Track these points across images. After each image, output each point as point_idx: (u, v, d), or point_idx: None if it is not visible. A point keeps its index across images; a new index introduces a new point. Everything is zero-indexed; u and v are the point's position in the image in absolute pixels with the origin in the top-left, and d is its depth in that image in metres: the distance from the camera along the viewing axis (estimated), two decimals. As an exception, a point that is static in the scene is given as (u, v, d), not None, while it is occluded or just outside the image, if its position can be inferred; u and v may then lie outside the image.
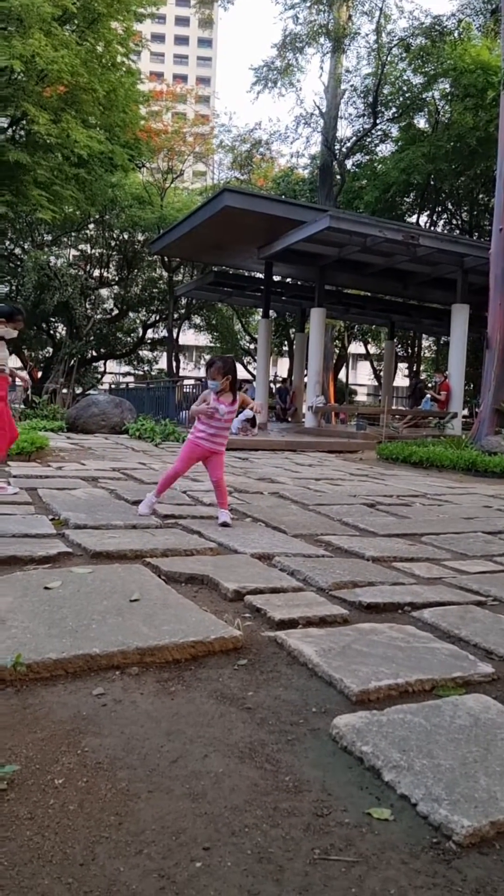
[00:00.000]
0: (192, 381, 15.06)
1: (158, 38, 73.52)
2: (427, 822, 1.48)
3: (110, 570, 3.20)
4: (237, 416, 14.86)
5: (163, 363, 32.21)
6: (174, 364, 29.23)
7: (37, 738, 1.77)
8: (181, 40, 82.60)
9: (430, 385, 22.59)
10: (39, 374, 27.06)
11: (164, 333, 29.98)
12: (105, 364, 32.72)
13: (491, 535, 4.98)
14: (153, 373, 32.78)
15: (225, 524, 4.50)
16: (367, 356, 38.52)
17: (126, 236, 26.33)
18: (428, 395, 18.08)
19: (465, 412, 20.88)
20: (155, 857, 1.34)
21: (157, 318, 30.08)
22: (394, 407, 23.04)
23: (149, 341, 31.64)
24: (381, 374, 28.84)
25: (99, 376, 31.83)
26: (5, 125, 17.98)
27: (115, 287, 28.36)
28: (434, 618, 2.87)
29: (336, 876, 1.31)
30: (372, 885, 1.29)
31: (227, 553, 3.82)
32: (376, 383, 37.90)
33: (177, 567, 3.33)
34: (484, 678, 2.27)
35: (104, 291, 28.36)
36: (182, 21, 78.30)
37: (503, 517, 5.87)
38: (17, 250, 25.58)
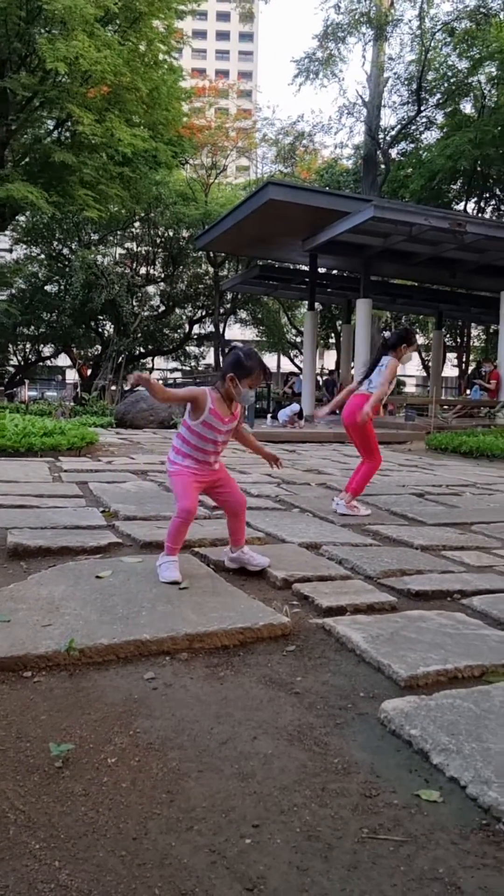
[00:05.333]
0: None
1: (200, 34, 73.74)
2: (476, 805, 1.47)
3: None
4: (285, 409, 14.89)
5: (210, 358, 32.40)
6: (221, 359, 29.36)
7: (90, 719, 1.82)
8: (222, 36, 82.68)
9: (482, 373, 22.20)
10: (89, 372, 27.54)
11: (211, 329, 30.15)
12: (153, 360, 33.12)
13: (544, 523, 4.87)
14: (200, 368, 33.02)
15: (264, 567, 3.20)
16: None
17: (171, 233, 26.56)
18: (477, 385, 17.78)
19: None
20: (206, 834, 1.36)
21: (203, 313, 30.26)
22: (442, 397, 22.72)
23: (195, 337, 31.88)
24: (430, 364, 28.45)
25: (147, 372, 32.21)
26: (51, 127, 18.31)
27: (161, 284, 28.65)
28: (484, 605, 2.84)
29: (385, 855, 1.32)
30: (421, 865, 1.29)
31: (274, 542, 3.84)
32: (425, 374, 37.42)
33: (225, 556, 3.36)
34: (536, 665, 2.23)
35: (150, 288, 28.67)
36: (223, 16, 78.33)
37: None
38: (65, 250, 26.04)
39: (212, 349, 30.75)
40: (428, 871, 1.28)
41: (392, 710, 1.83)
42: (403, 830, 1.40)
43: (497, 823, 1.42)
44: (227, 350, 3.13)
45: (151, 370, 33.31)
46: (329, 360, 38.22)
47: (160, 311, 28.99)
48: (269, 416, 16.10)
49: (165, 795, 1.49)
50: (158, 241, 27.10)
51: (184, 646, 2.29)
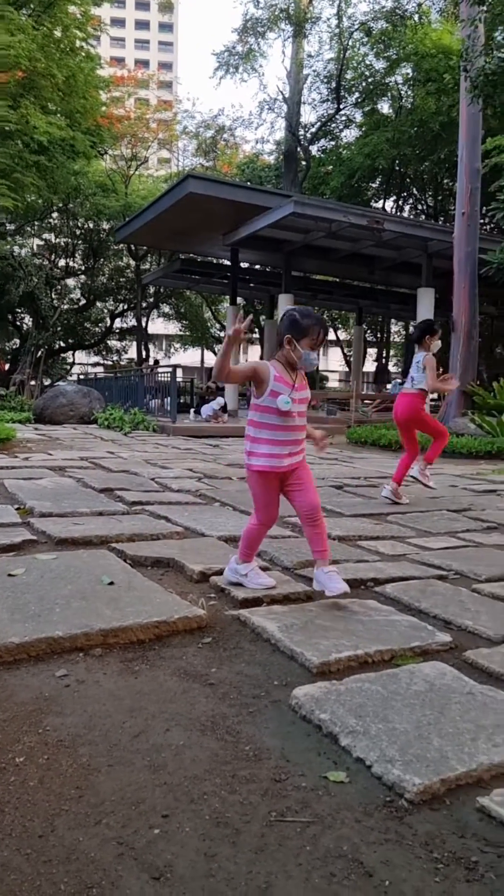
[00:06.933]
0: (168, 369, 14.24)
1: (118, 22, 72.41)
2: (381, 783, 1.52)
3: (75, 555, 3.21)
4: (210, 404, 14.87)
5: (132, 352, 32.01)
6: (144, 353, 29.05)
7: (-2, 719, 1.78)
8: (142, 25, 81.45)
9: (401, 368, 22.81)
10: (6, 367, 26.75)
11: (133, 323, 29.77)
12: (73, 355, 32.46)
13: (455, 512, 5.07)
14: (123, 362, 32.58)
15: (344, 594, 2.70)
16: (336, 342, 38.64)
17: (91, 225, 26.03)
18: (397, 380, 18.25)
19: (434, 395, 21.10)
20: (114, 827, 1.36)
21: (126, 307, 29.86)
22: (363, 392, 23.20)
23: (117, 331, 31.43)
24: (351, 359, 28.99)
25: (68, 367, 31.58)
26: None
27: (82, 276, 28.08)
28: (396, 592, 2.93)
29: (291, 836, 1.35)
30: (326, 843, 1.33)
31: (193, 537, 3.84)
32: (347, 369, 38.09)
33: (143, 551, 3.35)
34: (441, 647, 2.33)
35: (70, 281, 28.06)
36: (142, 5, 77.21)
37: (468, 496, 5.97)
38: (-20, 240, 25.16)
39: (134, 343, 30.36)
40: (333, 849, 1.32)
41: (303, 696, 1.87)
42: (310, 812, 1.43)
43: (400, 799, 1.47)
44: (282, 316, 2.92)
45: (72, 364, 32.65)
46: (254, 355, 38.39)
47: (81, 304, 28.41)
48: (192, 410, 16.06)
49: (74, 791, 1.48)
50: (78, 232, 26.52)
51: (98, 641, 2.27)
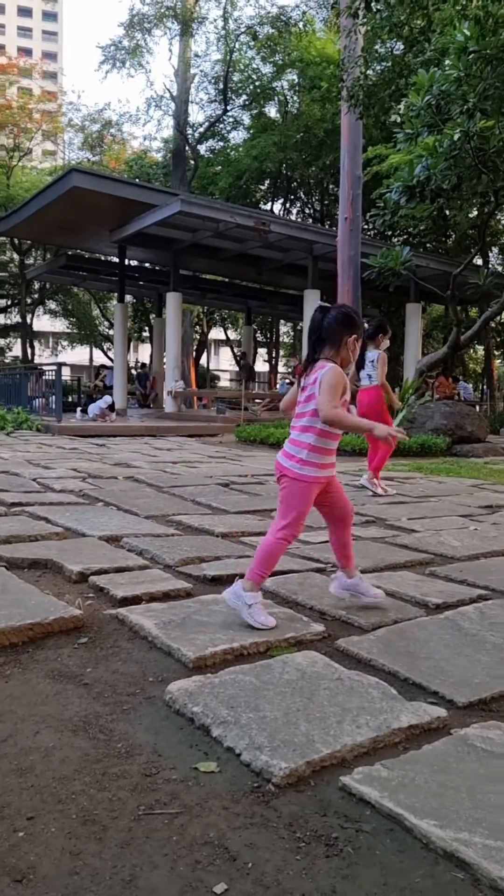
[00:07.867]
0: (52, 368, 13.73)
1: (-1, 7, 69.66)
2: (250, 769, 1.56)
3: None
4: (97, 403, 14.59)
5: (17, 350, 30.92)
6: (29, 351, 28.12)
7: None
8: (24, 12, 78.69)
9: (290, 368, 23.21)
10: None
11: (17, 319, 28.76)
12: (-48, 352, 31.01)
13: (336, 507, 5.22)
14: (6, 360, 31.42)
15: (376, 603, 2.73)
16: (227, 342, 38.88)
17: (-30, 216, 24.93)
18: (286, 380, 18.60)
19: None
20: (-25, 834, 1.32)
21: (9, 303, 28.81)
22: (253, 391, 23.49)
23: (0, 327, 30.27)
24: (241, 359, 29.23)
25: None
26: None
27: (-39, 270, 26.86)
28: (275, 586, 2.99)
29: (159, 828, 1.36)
30: (193, 832, 1.35)
31: (74, 537, 3.77)
32: (237, 368, 38.40)
33: (19, 553, 3.25)
34: (315, 636, 2.41)
35: None
36: (25, -9, 74.67)
37: (349, 491, 6.15)
38: None
39: (19, 340, 29.32)
40: (199, 837, 1.34)
41: (177, 691, 1.89)
42: (179, 803, 1.45)
43: (267, 784, 1.51)
44: (319, 312, 2.56)
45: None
46: (144, 353, 37.97)
47: (-40, 298, 27.19)
48: (78, 409, 15.72)
49: None
50: (-44, 223, 25.32)
51: (-33, 647, 2.19)
